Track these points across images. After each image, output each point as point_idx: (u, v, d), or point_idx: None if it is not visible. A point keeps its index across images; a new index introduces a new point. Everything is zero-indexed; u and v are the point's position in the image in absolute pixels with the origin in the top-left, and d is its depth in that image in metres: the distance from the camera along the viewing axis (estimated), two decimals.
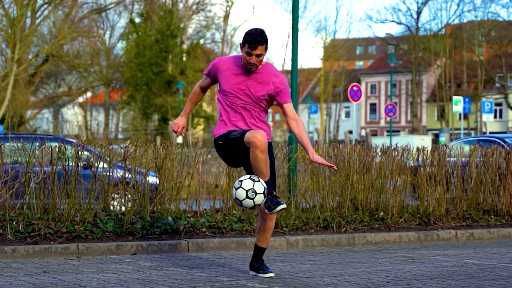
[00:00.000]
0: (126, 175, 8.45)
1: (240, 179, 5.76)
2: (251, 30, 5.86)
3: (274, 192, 5.89)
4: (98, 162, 8.43)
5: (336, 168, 6.28)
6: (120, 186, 8.61)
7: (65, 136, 12.01)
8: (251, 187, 5.67)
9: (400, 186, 9.98)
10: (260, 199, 5.69)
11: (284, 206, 5.83)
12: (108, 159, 8.53)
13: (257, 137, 5.68)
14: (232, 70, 5.99)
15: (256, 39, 5.77)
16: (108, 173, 8.37)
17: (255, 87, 5.96)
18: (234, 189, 5.75)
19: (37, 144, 8.15)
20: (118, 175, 8.56)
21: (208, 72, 6.16)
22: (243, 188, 5.68)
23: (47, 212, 7.96)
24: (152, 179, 8.74)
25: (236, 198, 5.73)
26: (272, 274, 6.22)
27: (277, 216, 5.81)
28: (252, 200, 5.67)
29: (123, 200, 8.67)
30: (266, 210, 5.88)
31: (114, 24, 53.79)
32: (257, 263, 6.32)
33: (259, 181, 5.71)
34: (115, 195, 8.76)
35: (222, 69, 6.03)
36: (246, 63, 5.87)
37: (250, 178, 5.72)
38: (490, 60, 56.13)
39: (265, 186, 5.74)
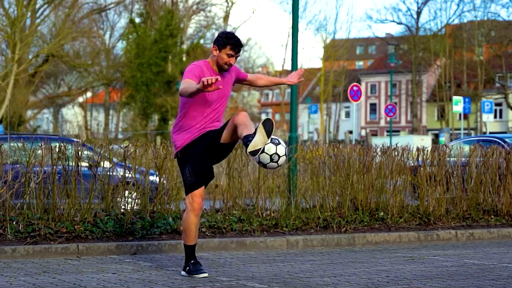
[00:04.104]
0: (131, 175, 8.46)
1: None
2: (230, 33, 6.24)
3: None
4: (103, 162, 8.43)
5: (302, 73, 6.74)
6: (122, 186, 8.59)
7: (70, 137, 11.98)
8: (274, 152, 5.84)
9: (400, 186, 9.98)
10: (283, 160, 5.90)
11: (205, 275, 6.18)
12: (115, 159, 8.56)
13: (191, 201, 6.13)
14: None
15: (240, 43, 6.19)
16: (113, 173, 8.39)
17: (225, 90, 6.25)
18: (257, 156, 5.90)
19: (41, 144, 8.13)
20: (126, 174, 8.54)
21: (194, 76, 6.01)
22: (266, 153, 5.84)
23: (47, 212, 7.96)
24: (157, 179, 8.74)
25: (259, 161, 5.88)
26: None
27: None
28: (276, 163, 5.87)
29: (129, 200, 8.63)
30: (184, 273, 6.26)
31: (114, 24, 53.74)
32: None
33: (279, 143, 5.90)
34: (124, 193, 8.72)
35: (203, 76, 6.10)
36: (223, 64, 6.18)
37: (271, 142, 5.86)
38: (490, 60, 56.13)
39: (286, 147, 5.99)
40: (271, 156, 5.81)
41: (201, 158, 6.12)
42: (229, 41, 6.12)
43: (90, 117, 58.18)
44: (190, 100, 6.09)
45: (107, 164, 8.49)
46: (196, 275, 6.14)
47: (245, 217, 8.80)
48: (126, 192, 8.62)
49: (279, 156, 5.82)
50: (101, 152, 8.48)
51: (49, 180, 7.99)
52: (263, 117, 62.46)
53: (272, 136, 5.83)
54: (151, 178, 8.75)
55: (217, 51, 6.14)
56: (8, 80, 34.74)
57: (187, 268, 6.24)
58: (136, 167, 8.58)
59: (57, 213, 7.93)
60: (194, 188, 6.11)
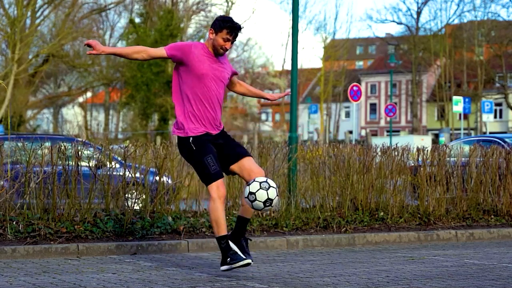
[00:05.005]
0: (133, 175, 8.46)
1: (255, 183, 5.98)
2: (227, 17, 6.18)
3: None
4: (106, 162, 8.43)
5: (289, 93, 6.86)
6: (127, 186, 8.58)
7: (72, 137, 12.00)
8: (264, 180, 5.93)
9: (400, 186, 9.98)
10: (273, 192, 5.90)
11: (249, 261, 6.06)
12: (118, 158, 8.56)
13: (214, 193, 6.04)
14: (204, 56, 6.11)
15: (237, 27, 6.09)
16: (113, 173, 8.38)
17: (224, 72, 6.21)
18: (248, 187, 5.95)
19: (41, 144, 8.12)
20: (130, 174, 8.52)
21: (176, 50, 6.06)
22: (257, 181, 5.93)
23: (47, 212, 7.96)
24: (164, 179, 8.73)
25: (250, 192, 5.89)
26: (249, 261, 6.09)
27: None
28: (266, 192, 5.88)
29: (134, 199, 8.60)
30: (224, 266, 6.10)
31: (114, 24, 53.72)
32: (244, 239, 6.28)
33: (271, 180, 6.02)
34: (132, 192, 8.70)
35: (195, 53, 6.08)
36: (219, 47, 6.11)
37: (266, 181, 5.95)
38: (490, 60, 56.14)
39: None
40: (264, 202, 5.89)
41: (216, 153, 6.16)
42: (225, 25, 6.06)
43: (90, 117, 58.18)
44: (183, 76, 6.10)
45: (112, 164, 8.49)
46: (237, 264, 5.99)
47: None
48: (134, 192, 8.61)
49: (272, 200, 5.90)
50: (105, 151, 8.48)
51: (49, 180, 7.99)
52: (263, 117, 62.20)
53: (262, 180, 5.92)
54: (156, 178, 8.73)
55: (214, 34, 6.09)
56: (8, 80, 34.73)
57: (228, 259, 6.03)
58: (138, 166, 8.57)
59: (57, 213, 7.93)
60: (220, 176, 6.04)
